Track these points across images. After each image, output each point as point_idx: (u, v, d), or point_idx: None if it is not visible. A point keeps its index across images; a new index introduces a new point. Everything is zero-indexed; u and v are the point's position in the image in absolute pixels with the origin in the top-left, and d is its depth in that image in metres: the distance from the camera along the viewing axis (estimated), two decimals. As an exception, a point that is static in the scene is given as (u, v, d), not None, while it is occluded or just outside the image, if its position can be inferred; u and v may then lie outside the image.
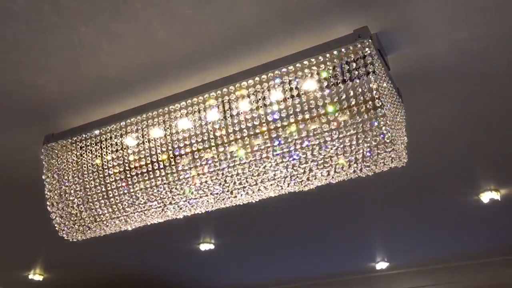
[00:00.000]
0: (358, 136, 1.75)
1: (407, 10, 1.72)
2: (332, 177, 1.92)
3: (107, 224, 2.23)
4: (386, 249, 5.14)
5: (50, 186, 2.22)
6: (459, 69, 2.07)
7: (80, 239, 2.34)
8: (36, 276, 5.13)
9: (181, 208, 2.14)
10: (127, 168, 2.08)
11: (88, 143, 2.14)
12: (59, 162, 2.21)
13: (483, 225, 4.31)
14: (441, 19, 1.78)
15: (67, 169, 2.17)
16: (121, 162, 2.09)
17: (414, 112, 2.34)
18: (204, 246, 4.42)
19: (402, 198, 3.63)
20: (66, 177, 2.16)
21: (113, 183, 2.11)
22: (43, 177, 2.22)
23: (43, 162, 2.23)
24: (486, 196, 3.48)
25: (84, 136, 2.14)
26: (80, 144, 2.17)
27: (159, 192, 2.07)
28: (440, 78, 2.14)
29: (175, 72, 1.97)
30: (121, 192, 2.15)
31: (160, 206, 2.12)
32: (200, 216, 3.67)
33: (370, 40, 1.69)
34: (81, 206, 2.21)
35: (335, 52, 1.73)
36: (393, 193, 3.52)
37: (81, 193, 2.20)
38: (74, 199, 2.21)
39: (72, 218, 2.24)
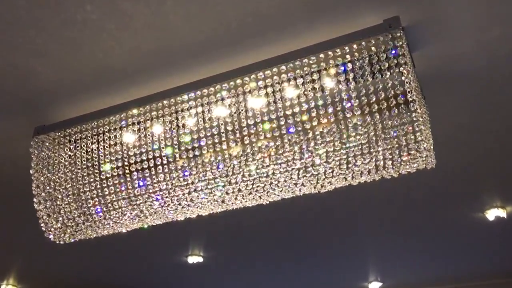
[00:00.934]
0: (385, 133, 1.62)
1: (436, 3, 1.60)
2: (353, 178, 1.78)
3: (100, 225, 2.04)
4: (380, 268, 4.99)
5: (38, 182, 2.03)
6: (485, 72, 1.96)
7: (68, 241, 2.15)
8: (9, 287, 4.86)
9: (183, 208, 1.97)
10: (125, 164, 1.90)
11: (83, 136, 1.96)
12: (49, 156, 2.03)
13: (486, 244, 4.18)
14: (471, 15, 1.67)
15: (58, 164, 1.98)
16: (119, 158, 1.92)
17: (430, 118, 2.21)
18: (193, 259, 4.23)
19: (399, 214, 3.50)
20: (56, 173, 1.97)
21: (109, 180, 1.93)
22: (31, 171, 2.03)
23: (32, 156, 2.04)
24: (492, 214, 3.36)
25: (79, 128, 1.96)
26: (74, 137, 2.00)
27: (161, 191, 1.90)
28: (464, 81, 2.02)
29: (185, 61, 1.81)
30: (118, 190, 1.97)
31: (161, 206, 1.95)
32: (189, 227, 3.59)
33: (402, 31, 1.56)
34: (72, 204, 2.02)
35: (362, 43, 1.60)
36: (389, 209, 3.39)
37: (73, 190, 2.02)
38: (64, 197, 2.02)
39: (60, 218, 2.05)
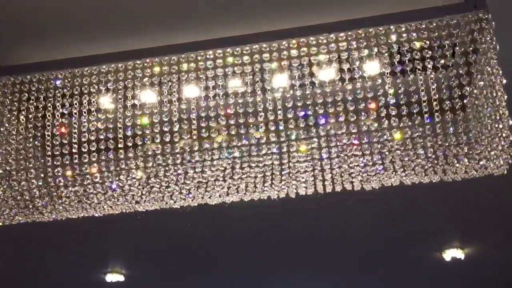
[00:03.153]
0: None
1: None
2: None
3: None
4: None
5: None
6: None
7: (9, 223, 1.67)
8: None
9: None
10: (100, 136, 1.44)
11: (46, 88, 1.46)
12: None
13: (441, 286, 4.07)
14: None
15: (5, 122, 1.46)
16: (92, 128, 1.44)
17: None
18: (111, 277, 3.66)
19: (352, 252, 3.35)
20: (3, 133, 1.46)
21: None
22: None
23: None
24: (449, 254, 3.23)
25: (42, 77, 1.46)
26: (33, 87, 1.48)
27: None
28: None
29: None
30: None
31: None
32: (108, 240, 3.10)
33: (489, 14, 1.31)
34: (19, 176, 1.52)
35: (443, 21, 1.32)
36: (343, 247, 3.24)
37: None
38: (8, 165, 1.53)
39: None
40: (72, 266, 3.54)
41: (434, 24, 1.34)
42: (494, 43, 1.30)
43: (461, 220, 2.96)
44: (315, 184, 1.60)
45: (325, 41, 1.36)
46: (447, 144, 1.39)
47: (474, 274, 3.62)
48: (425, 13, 1.37)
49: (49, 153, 1.45)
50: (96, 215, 1.73)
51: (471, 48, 1.33)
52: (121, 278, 3.68)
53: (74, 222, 1.76)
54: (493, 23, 1.30)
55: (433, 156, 1.43)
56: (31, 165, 1.51)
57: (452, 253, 3.25)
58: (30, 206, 1.61)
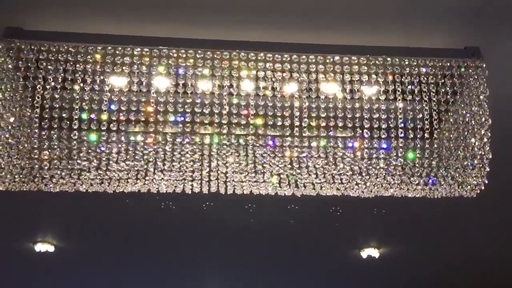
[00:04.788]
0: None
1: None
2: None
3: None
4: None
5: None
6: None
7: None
8: None
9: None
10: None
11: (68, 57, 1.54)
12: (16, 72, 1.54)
13: (358, 281, 4.47)
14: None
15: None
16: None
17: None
18: (40, 247, 3.55)
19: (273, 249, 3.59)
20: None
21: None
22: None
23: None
24: (366, 252, 3.64)
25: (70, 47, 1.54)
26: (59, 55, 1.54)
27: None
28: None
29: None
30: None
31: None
32: (40, 211, 3.01)
33: (484, 64, 1.62)
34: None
35: (441, 62, 1.63)
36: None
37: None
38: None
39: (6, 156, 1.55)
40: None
41: (434, 63, 1.63)
42: (485, 87, 1.62)
43: (379, 224, 3.34)
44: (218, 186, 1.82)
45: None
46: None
47: (385, 271, 4.11)
48: (429, 52, 1.65)
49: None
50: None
51: (460, 88, 1.64)
52: (51, 248, 3.60)
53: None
54: (487, 71, 1.63)
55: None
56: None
57: (368, 252, 3.66)
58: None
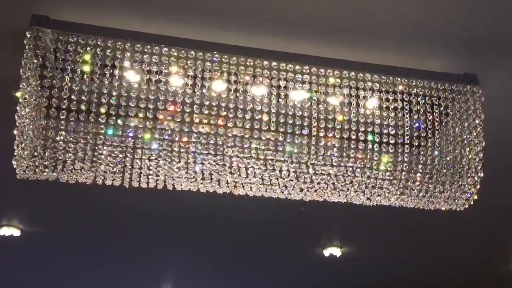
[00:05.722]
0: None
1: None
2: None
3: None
4: None
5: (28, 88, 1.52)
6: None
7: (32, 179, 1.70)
8: None
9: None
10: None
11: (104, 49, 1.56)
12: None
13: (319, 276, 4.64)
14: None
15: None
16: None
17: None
18: (5, 231, 3.45)
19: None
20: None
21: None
22: (22, 70, 1.50)
23: (27, 48, 1.51)
24: (328, 251, 3.82)
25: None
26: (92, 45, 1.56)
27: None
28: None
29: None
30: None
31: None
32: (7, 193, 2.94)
33: (480, 90, 1.79)
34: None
35: (438, 85, 1.79)
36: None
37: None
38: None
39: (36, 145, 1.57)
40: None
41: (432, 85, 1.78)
42: (480, 111, 1.79)
43: (342, 224, 3.52)
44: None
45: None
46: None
47: (346, 269, 4.32)
48: (429, 75, 1.80)
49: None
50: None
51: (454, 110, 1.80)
52: (16, 232, 3.51)
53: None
54: (483, 98, 1.80)
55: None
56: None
57: (330, 250, 3.84)
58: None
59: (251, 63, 1.62)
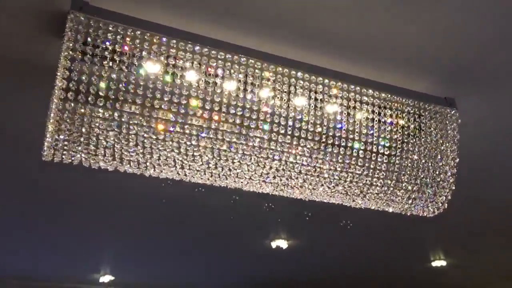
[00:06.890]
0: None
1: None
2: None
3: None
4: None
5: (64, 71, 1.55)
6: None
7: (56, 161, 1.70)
8: None
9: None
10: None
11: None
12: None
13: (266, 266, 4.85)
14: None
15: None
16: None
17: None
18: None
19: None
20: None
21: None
22: (62, 54, 1.53)
23: (68, 33, 1.53)
24: (275, 243, 4.06)
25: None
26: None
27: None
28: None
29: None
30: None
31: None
32: None
33: (457, 114, 2.06)
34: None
35: (420, 104, 1.98)
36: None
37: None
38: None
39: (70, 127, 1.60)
40: None
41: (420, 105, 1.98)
42: (456, 132, 2.05)
43: (288, 218, 3.73)
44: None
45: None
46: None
47: (291, 259, 4.57)
48: (412, 94, 2.00)
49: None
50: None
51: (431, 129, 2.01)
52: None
53: None
54: (459, 120, 2.07)
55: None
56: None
57: (277, 243, 4.06)
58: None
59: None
